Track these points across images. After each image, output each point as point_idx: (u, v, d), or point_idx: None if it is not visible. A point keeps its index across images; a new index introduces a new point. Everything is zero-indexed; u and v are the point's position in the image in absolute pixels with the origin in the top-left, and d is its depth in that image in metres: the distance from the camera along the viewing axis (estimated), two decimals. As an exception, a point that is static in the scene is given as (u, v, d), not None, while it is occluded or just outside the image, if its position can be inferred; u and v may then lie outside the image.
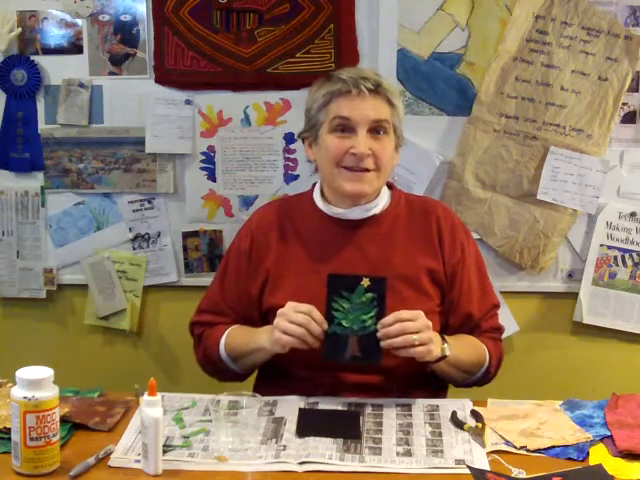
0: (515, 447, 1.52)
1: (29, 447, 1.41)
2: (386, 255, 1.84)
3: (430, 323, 1.66)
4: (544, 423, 1.62)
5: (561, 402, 1.73)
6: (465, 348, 1.80)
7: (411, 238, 1.86)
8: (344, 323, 1.64)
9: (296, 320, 1.64)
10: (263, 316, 1.87)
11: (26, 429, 1.41)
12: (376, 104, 1.79)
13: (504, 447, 1.52)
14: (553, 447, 1.53)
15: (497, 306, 1.94)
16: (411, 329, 1.62)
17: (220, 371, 1.88)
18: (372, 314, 1.64)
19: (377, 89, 1.79)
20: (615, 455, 1.50)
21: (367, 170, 1.78)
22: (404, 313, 1.64)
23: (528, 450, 1.51)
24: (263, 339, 1.72)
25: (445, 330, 1.85)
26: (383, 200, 1.87)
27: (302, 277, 1.84)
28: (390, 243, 1.85)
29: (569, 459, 1.49)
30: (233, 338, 1.83)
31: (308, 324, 1.63)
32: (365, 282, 1.65)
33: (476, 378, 1.86)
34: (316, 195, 1.90)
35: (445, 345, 1.72)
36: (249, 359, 1.81)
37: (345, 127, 1.78)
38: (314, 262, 1.84)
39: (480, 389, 1.90)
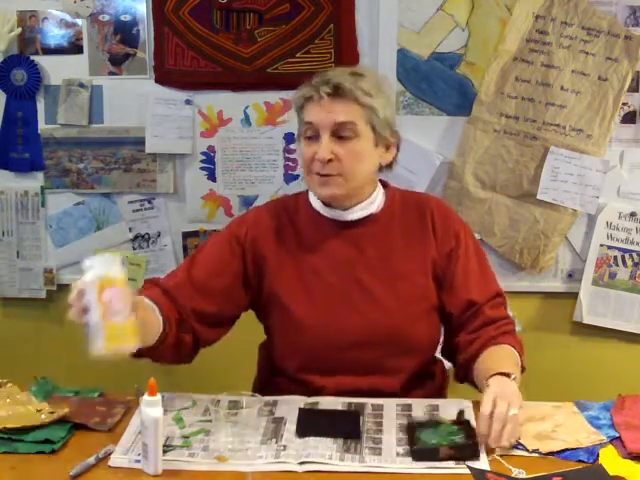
0: (527, 450, 1.50)
1: (111, 323, 1.41)
2: (385, 254, 1.83)
3: (516, 412, 1.54)
4: (560, 426, 1.60)
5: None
6: (513, 366, 1.71)
7: (408, 235, 1.85)
8: (431, 441, 1.52)
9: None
10: (253, 306, 1.86)
11: (105, 306, 1.40)
12: (338, 107, 1.73)
13: (515, 451, 1.50)
14: (565, 450, 1.51)
15: (501, 296, 1.86)
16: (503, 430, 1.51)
17: None
18: (461, 434, 1.54)
19: (337, 92, 1.72)
20: (625, 457, 1.49)
21: (331, 175, 1.75)
22: (495, 424, 1.51)
23: (540, 453, 1.50)
24: None
25: (448, 319, 1.83)
26: (378, 199, 1.86)
27: (301, 276, 1.83)
28: (388, 242, 1.84)
29: (579, 461, 1.47)
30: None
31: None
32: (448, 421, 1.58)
33: None
34: (312, 197, 1.89)
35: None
36: None
37: (312, 133, 1.76)
38: (313, 261, 1.83)
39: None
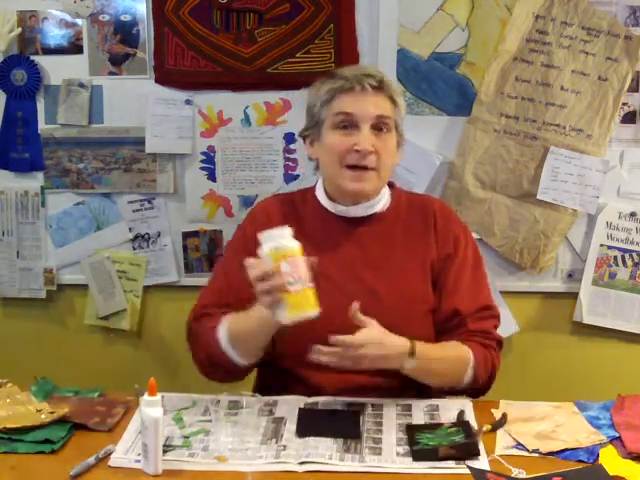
0: (527, 450, 1.50)
1: (292, 293, 1.47)
2: (387, 254, 1.84)
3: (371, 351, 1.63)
4: (560, 426, 1.60)
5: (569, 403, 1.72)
6: (440, 359, 1.73)
7: (411, 237, 1.86)
8: (430, 443, 1.53)
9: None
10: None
11: (283, 276, 1.47)
12: (379, 101, 1.79)
13: (515, 451, 1.51)
14: (565, 450, 1.51)
15: (489, 309, 1.85)
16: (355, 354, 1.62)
17: (222, 365, 1.75)
18: (461, 434, 1.55)
19: (380, 86, 1.79)
20: (625, 457, 1.49)
21: (368, 168, 1.77)
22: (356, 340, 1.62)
23: (540, 453, 1.50)
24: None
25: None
26: (384, 198, 1.87)
27: None
28: (391, 242, 1.85)
29: (579, 461, 1.47)
30: (234, 319, 1.72)
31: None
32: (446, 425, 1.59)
33: (462, 388, 1.79)
34: (319, 192, 1.89)
35: (409, 359, 1.67)
36: (252, 335, 1.69)
37: (348, 124, 1.78)
38: (316, 257, 1.83)
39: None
